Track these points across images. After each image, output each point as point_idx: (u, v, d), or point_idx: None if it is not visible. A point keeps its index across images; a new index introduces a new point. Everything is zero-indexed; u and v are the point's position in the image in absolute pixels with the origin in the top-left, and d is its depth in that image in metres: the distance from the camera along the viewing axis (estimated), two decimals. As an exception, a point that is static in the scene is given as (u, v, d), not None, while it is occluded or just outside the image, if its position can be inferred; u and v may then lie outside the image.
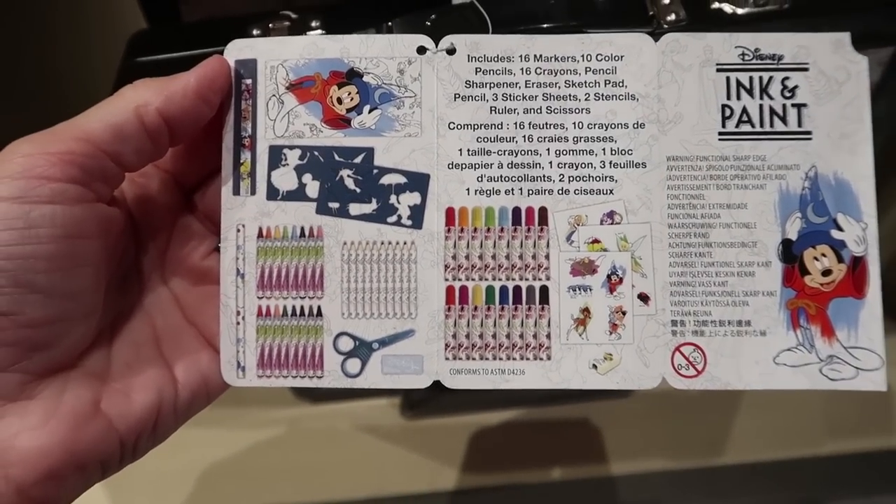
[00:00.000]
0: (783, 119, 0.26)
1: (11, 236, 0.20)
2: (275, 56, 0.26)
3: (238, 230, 0.26)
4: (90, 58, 0.52)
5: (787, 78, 0.26)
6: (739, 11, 0.34)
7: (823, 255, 0.25)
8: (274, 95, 0.26)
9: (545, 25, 0.33)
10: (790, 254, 0.25)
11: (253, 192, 0.26)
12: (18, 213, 0.20)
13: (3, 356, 0.21)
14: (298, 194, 0.26)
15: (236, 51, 0.26)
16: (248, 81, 0.26)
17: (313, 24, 0.35)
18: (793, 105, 0.26)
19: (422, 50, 0.26)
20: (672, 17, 0.33)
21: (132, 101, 0.23)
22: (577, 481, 0.48)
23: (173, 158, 0.27)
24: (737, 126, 0.26)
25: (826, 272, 0.25)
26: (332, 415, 0.50)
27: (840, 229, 0.25)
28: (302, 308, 0.26)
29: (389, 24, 0.33)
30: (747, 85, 0.26)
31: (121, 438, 0.23)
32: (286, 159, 0.26)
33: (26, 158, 0.21)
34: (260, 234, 0.26)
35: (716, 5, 0.34)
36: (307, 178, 0.26)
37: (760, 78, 0.26)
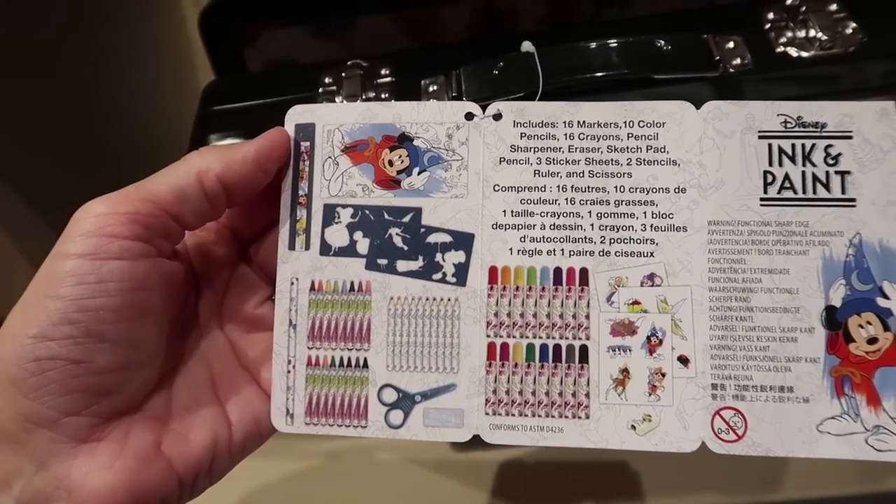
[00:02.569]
0: (826, 186, 0.26)
1: (84, 290, 0.22)
2: (332, 121, 0.28)
3: (292, 283, 0.28)
4: (166, 101, 0.56)
5: (830, 145, 0.26)
6: (805, 55, 0.34)
7: (869, 322, 0.25)
8: (330, 157, 0.28)
9: (609, 73, 0.34)
10: (834, 321, 0.25)
11: (307, 248, 0.28)
12: (90, 269, 0.22)
13: (76, 401, 0.23)
14: (349, 250, 0.28)
15: (297, 115, 0.28)
16: (307, 144, 0.28)
17: (384, 71, 0.37)
18: (836, 172, 0.26)
19: (469, 116, 0.28)
20: (738, 61, 0.34)
21: (195, 167, 0.25)
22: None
23: (232, 214, 0.28)
24: (779, 192, 0.26)
25: (872, 340, 0.25)
26: (382, 447, 0.51)
27: (886, 297, 0.25)
28: (349, 359, 0.27)
29: (457, 71, 0.35)
30: (790, 152, 0.26)
31: (179, 478, 0.25)
32: (339, 217, 0.28)
33: (98, 218, 0.23)
34: (312, 288, 0.28)
35: (781, 49, 0.35)
36: (358, 235, 0.28)
37: (803, 145, 0.26)
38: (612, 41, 0.35)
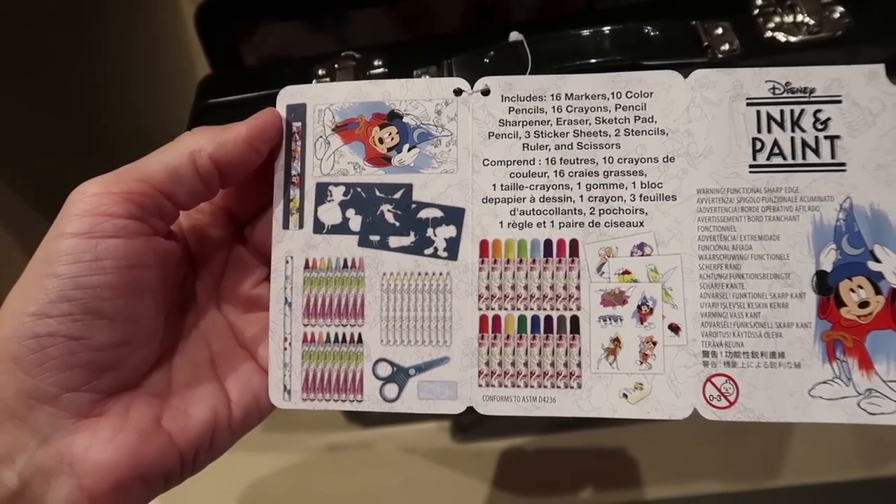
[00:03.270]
0: (816, 151, 0.26)
1: (81, 268, 0.23)
2: (322, 100, 0.28)
3: (287, 261, 0.28)
4: (164, 97, 0.56)
5: (819, 110, 0.26)
6: (793, 40, 0.34)
7: (860, 286, 0.25)
8: (321, 137, 0.28)
9: (598, 60, 0.34)
10: (825, 285, 0.25)
11: (301, 226, 0.28)
12: (86, 247, 0.23)
13: (76, 377, 0.23)
14: (342, 228, 0.28)
15: (288, 96, 0.29)
16: (298, 124, 0.28)
17: (376, 62, 0.38)
18: (826, 137, 0.26)
19: (458, 92, 0.28)
20: (726, 46, 0.34)
21: (188, 147, 0.26)
22: None
23: (227, 196, 0.29)
24: (768, 158, 0.26)
25: (863, 304, 0.25)
26: (383, 439, 0.51)
27: (877, 261, 0.25)
28: (344, 335, 0.28)
29: (449, 61, 0.35)
30: (778, 118, 0.26)
31: (180, 453, 0.25)
32: (331, 195, 0.28)
33: (93, 198, 0.24)
34: (307, 266, 0.28)
35: (769, 34, 0.34)
36: (350, 212, 0.28)
37: (792, 111, 0.26)
38: (600, 29, 0.34)
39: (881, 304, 0.25)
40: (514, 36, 0.33)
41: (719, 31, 0.34)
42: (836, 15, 0.34)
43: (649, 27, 0.34)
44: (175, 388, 0.26)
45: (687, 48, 0.34)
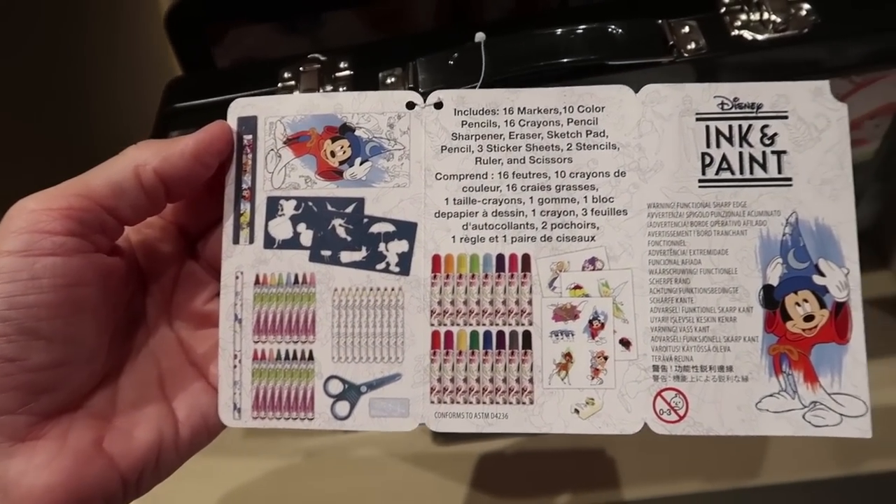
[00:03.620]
0: (763, 166, 0.26)
1: (16, 287, 0.22)
2: (274, 113, 0.28)
3: (237, 277, 0.28)
4: (129, 102, 0.55)
5: (766, 126, 0.26)
6: (759, 38, 0.34)
7: (805, 300, 0.25)
8: (272, 150, 0.28)
9: (562, 60, 0.34)
10: (771, 299, 0.26)
11: (251, 241, 0.28)
12: (23, 266, 0.22)
13: (11, 399, 0.22)
14: (293, 243, 0.28)
15: (239, 109, 0.28)
16: (249, 137, 0.28)
17: (342, 65, 0.37)
18: (772, 152, 0.26)
19: (411, 105, 0.28)
20: (692, 45, 0.34)
21: (132, 161, 0.25)
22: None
23: (177, 210, 0.28)
24: (717, 173, 0.26)
25: (808, 318, 0.25)
26: (365, 442, 0.51)
27: (822, 275, 0.25)
28: (294, 352, 0.27)
29: (414, 63, 0.35)
30: (727, 133, 0.27)
31: (122, 475, 0.25)
32: (282, 209, 0.28)
33: (31, 214, 0.23)
34: (257, 281, 0.27)
35: (736, 32, 0.35)
36: (301, 227, 0.28)
37: (740, 126, 0.27)
38: (565, 29, 0.34)
39: (825, 317, 0.25)
40: (479, 37, 0.32)
41: (686, 29, 0.34)
42: (803, 12, 0.34)
43: (614, 26, 0.34)
44: (119, 409, 0.26)
45: (653, 47, 0.34)
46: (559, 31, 0.34)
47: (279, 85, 0.36)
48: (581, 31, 0.34)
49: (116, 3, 0.57)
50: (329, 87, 0.35)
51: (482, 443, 0.50)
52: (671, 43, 0.34)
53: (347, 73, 0.36)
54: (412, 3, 0.46)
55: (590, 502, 0.48)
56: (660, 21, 0.35)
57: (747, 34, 0.34)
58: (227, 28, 0.44)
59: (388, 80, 0.35)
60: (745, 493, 0.48)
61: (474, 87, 0.29)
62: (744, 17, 0.35)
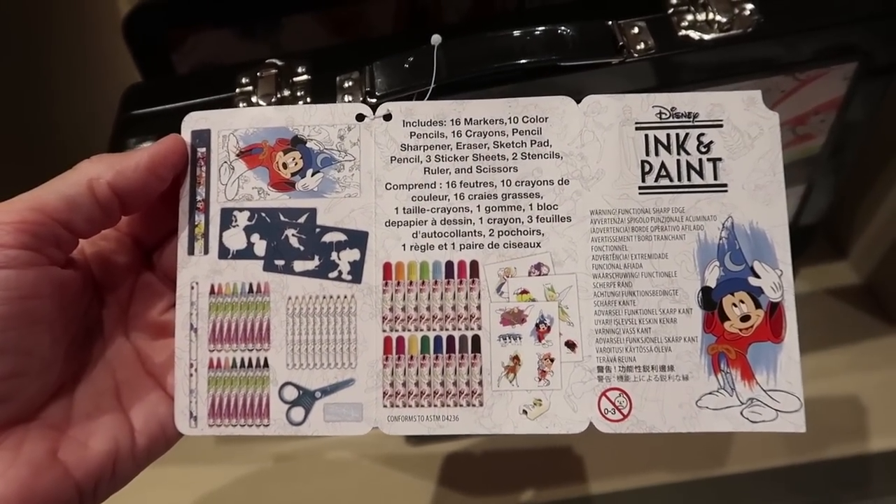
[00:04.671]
0: (700, 173, 0.27)
1: None
2: (226, 126, 0.29)
3: (192, 287, 0.28)
4: (87, 109, 0.55)
5: (702, 134, 0.27)
6: (706, 37, 0.35)
7: (742, 301, 0.26)
8: (226, 162, 0.28)
9: (514, 62, 0.34)
10: (710, 301, 0.27)
11: (206, 252, 0.28)
12: None
13: None
14: (247, 253, 0.28)
15: (192, 122, 0.29)
16: (203, 150, 0.29)
17: (300, 69, 0.38)
18: (708, 159, 0.27)
19: (360, 117, 0.28)
20: (641, 45, 0.35)
21: (86, 175, 0.25)
22: (584, 499, 0.49)
23: (133, 222, 0.29)
24: (656, 180, 0.27)
25: (744, 318, 0.26)
26: (337, 445, 0.51)
27: (757, 276, 0.26)
28: (250, 360, 0.28)
29: (370, 67, 0.36)
30: (665, 142, 0.28)
31: (78, 485, 0.25)
32: (236, 221, 0.28)
33: None
34: (212, 291, 0.28)
35: (683, 33, 0.36)
36: (255, 237, 0.28)
37: (677, 135, 0.28)
38: (516, 31, 0.35)
39: (761, 317, 0.26)
40: (434, 39, 0.33)
41: (635, 30, 0.35)
42: (747, 12, 0.35)
43: (565, 28, 0.35)
44: (75, 419, 0.26)
45: (603, 48, 0.35)
46: (513, 33, 0.35)
47: (237, 91, 0.36)
48: (534, 33, 0.35)
49: (76, 9, 0.57)
50: (287, 92, 0.36)
51: (454, 443, 0.51)
52: (621, 44, 0.35)
53: (305, 77, 0.37)
54: (371, 7, 0.47)
55: (559, 497, 0.49)
56: (610, 23, 0.36)
57: (694, 34, 0.35)
58: (186, 34, 0.44)
59: (346, 84, 0.36)
60: (710, 482, 0.49)
61: (424, 97, 0.30)
62: (690, 17, 0.36)
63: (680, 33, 0.35)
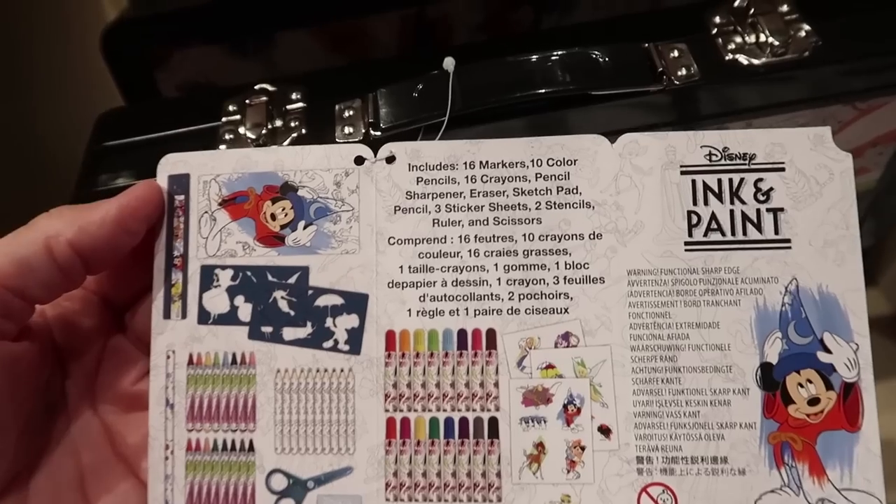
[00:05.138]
0: (758, 226, 0.23)
1: None
2: (207, 170, 0.25)
3: (168, 356, 0.25)
4: (75, 121, 0.52)
5: (760, 179, 0.23)
6: (756, 62, 0.31)
7: (809, 380, 0.22)
8: (206, 212, 0.25)
9: (541, 91, 0.30)
10: (771, 380, 0.22)
11: (184, 316, 0.25)
12: None
13: None
14: (230, 318, 0.24)
15: (169, 166, 0.25)
16: (181, 198, 0.25)
17: (294, 96, 0.34)
18: (768, 210, 0.23)
19: (359, 160, 0.25)
20: (683, 71, 0.31)
21: (42, 233, 0.22)
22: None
23: (101, 280, 0.25)
24: (705, 235, 0.23)
25: (813, 401, 0.22)
26: None
27: (827, 351, 0.22)
28: (233, 442, 0.24)
29: (374, 94, 0.32)
30: (716, 188, 0.23)
31: None
32: (218, 280, 0.25)
33: None
34: (190, 361, 0.24)
35: (730, 57, 0.32)
36: (239, 300, 0.25)
37: (731, 180, 0.23)
38: (544, 55, 0.31)
39: (832, 400, 0.22)
40: (448, 64, 0.29)
41: (675, 53, 0.31)
42: (803, 34, 0.31)
43: (598, 52, 0.31)
44: (31, 514, 0.23)
45: (640, 75, 0.31)
46: (535, 57, 0.31)
47: (223, 119, 0.33)
48: (559, 57, 0.31)
49: (61, 16, 0.54)
50: (279, 122, 0.32)
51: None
52: (660, 69, 0.31)
53: (299, 105, 0.33)
54: (373, 21, 0.43)
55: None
56: (646, 44, 0.32)
57: (743, 58, 0.31)
58: (170, 51, 0.41)
59: (346, 114, 0.32)
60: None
61: (434, 130, 0.26)
62: (738, 39, 0.32)
63: (727, 57, 0.31)
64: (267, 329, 0.24)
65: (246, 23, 0.42)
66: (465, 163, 0.24)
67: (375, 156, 0.25)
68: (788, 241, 0.23)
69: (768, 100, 0.31)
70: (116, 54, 0.40)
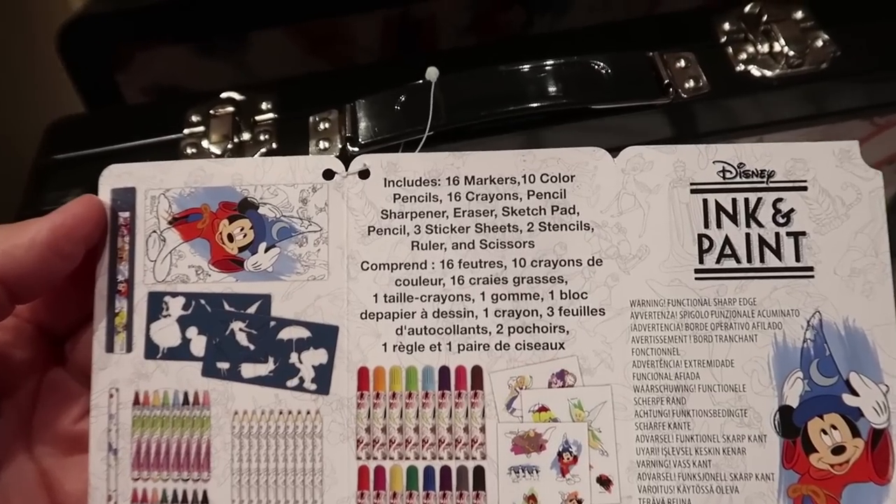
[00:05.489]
0: (776, 252, 0.21)
1: None
2: (156, 184, 0.22)
3: (111, 395, 0.22)
4: (26, 141, 0.49)
5: (779, 200, 0.21)
6: (769, 74, 0.29)
7: (833, 426, 0.20)
8: (155, 232, 0.22)
9: (537, 104, 0.28)
10: (791, 425, 0.20)
11: (129, 349, 0.22)
12: None
13: None
14: (181, 352, 0.22)
15: (113, 178, 0.22)
16: (126, 215, 0.22)
17: (264, 106, 0.31)
18: (788, 234, 0.21)
19: (329, 174, 0.22)
20: (691, 83, 0.29)
21: None
22: None
23: (36, 306, 0.22)
24: (718, 261, 0.21)
25: (838, 449, 0.20)
26: None
27: (854, 393, 0.20)
28: (184, 493, 0.21)
29: (352, 105, 0.29)
30: (730, 209, 0.21)
31: None
32: (168, 309, 0.22)
33: None
34: (136, 401, 0.22)
35: (741, 68, 0.29)
36: (192, 332, 0.22)
37: (747, 200, 0.21)
38: (539, 64, 0.28)
39: (860, 449, 0.20)
40: (431, 73, 0.27)
41: (681, 63, 0.29)
42: (820, 43, 0.29)
43: (598, 62, 0.28)
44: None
45: (644, 87, 0.28)
46: (529, 66, 0.28)
47: (185, 131, 0.30)
48: (556, 66, 0.28)
49: (20, 18, 0.51)
50: (246, 136, 0.29)
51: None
52: (666, 82, 0.28)
53: (270, 116, 0.30)
54: (353, 21, 0.40)
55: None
56: (650, 53, 0.29)
57: (755, 70, 0.29)
58: (134, 50, 0.37)
59: (321, 127, 0.29)
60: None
61: (415, 146, 0.23)
62: (749, 48, 0.30)
63: (738, 68, 0.28)
64: (223, 365, 0.22)
65: (217, 20, 0.38)
66: (449, 178, 0.22)
67: (347, 169, 0.22)
68: (811, 269, 0.21)
69: (781, 115, 0.29)
70: (75, 53, 0.37)
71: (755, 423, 0.20)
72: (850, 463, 0.20)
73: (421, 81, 0.27)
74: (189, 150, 0.29)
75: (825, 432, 0.20)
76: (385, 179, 0.22)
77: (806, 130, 0.29)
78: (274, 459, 0.21)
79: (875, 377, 0.20)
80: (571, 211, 0.21)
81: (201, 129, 0.30)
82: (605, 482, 0.20)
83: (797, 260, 0.21)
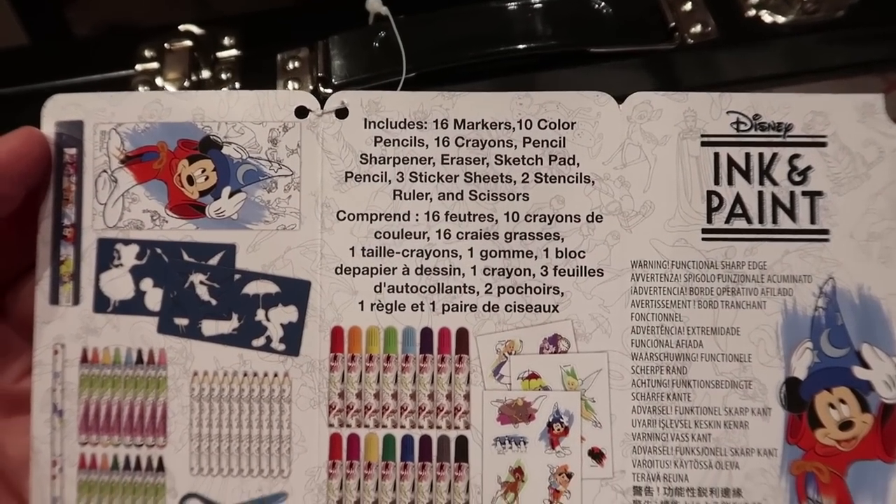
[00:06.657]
0: (790, 212, 0.19)
1: None
2: (106, 117, 0.20)
3: (56, 352, 0.20)
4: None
5: (796, 156, 0.19)
6: (781, 20, 0.27)
7: (842, 400, 0.19)
8: (105, 171, 0.20)
9: (530, 46, 0.25)
10: (797, 398, 0.19)
11: (76, 302, 0.20)
12: None
13: None
14: (135, 305, 0.20)
15: (58, 110, 0.20)
16: (73, 152, 0.20)
17: (226, 41, 0.29)
18: (804, 193, 0.19)
19: (302, 112, 0.20)
20: (698, 27, 0.27)
21: None
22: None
23: (-31, 254, 0.20)
24: (727, 221, 0.19)
25: (845, 424, 0.19)
26: None
27: (865, 366, 0.19)
28: (138, 459, 0.19)
29: (325, 42, 0.27)
30: (743, 165, 0.19)
31: None
32: (120, 257, 0.20)
33: None
34: (84, 359, 0.20)
35: (752, 13, 0.27)
36: (146, 283, 0.20)
37: (761, 155, 0.19)
38: (531, 0, 0.26)
39: (868, 424, 0.19)
40: (373, 4, 0.24)
41: (688, 6, 0.27)
42: None
43: (598, 0, 0.26)
44: None
45: (648, 30, 0.26)
46: (520, 3, 0.26)
47: (137, 67, 0.27)
48: (555, 4, 0.26)
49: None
50: (206, 74, 0.27)
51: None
52: (672, 25, 0.26)
53: (233, 53, 0.27)
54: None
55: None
56: None
57: (767, 16, 0.27)
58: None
59: (290, 66, 0.27)
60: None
61: (394, 89, 0.21)
62: None
63: (748, 13, 0.26)
64: (181, 321, 0.20)
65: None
66: (437, 121, 0.19)
67: (322, 107, 0.20)
68: (826, 232, 0.19)
69: (792, 66, 0.27)
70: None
71: (760, 395, 0.19)
72: (857, 439, 0.19)
73: (402, 16, 0.25)
74: (141, 89, 0.26)
75: (833, 406, 0.19)
76: (365, 120, 0.20)
77: (808, 86, 0.27)
78: (237, 425, 0.19)
79: (888, 349, 0.19)
80: (570, 161, 0.19)
81: (155, 65, 0.27)
82: (597, 455, 0.19)
83: (812, 222, 0.19)
